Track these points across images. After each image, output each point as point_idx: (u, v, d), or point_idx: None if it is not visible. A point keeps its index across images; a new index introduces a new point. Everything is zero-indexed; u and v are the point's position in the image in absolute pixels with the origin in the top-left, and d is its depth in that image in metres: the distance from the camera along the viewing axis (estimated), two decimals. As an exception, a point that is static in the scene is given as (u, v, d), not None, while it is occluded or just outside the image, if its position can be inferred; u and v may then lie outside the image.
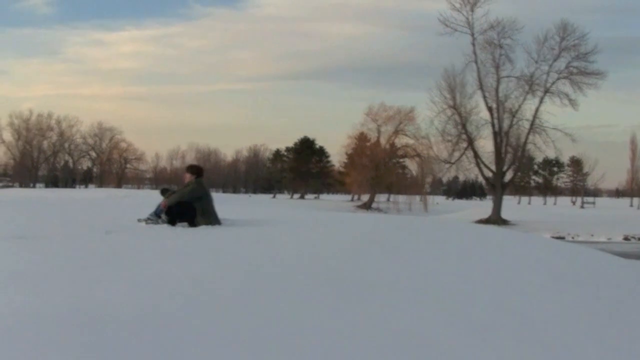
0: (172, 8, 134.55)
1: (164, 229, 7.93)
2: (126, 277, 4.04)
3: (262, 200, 67.09)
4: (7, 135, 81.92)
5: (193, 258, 5.16)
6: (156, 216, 8.39)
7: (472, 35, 39.51)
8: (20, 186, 71.42)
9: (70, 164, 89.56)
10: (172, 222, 8.32)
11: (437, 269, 5.20)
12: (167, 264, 4.71)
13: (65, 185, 73.15)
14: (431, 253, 6.47)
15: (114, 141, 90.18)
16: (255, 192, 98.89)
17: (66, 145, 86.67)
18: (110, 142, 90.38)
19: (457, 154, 40.40)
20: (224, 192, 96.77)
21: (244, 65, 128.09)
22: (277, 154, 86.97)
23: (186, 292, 3.63)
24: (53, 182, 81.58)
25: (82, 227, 7.78)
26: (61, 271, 4.26)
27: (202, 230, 7.79)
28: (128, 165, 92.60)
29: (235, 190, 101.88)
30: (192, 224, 8.36)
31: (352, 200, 71.95)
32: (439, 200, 76.21)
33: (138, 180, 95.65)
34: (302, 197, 79.89)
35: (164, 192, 8.97)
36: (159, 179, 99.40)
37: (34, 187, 64.59)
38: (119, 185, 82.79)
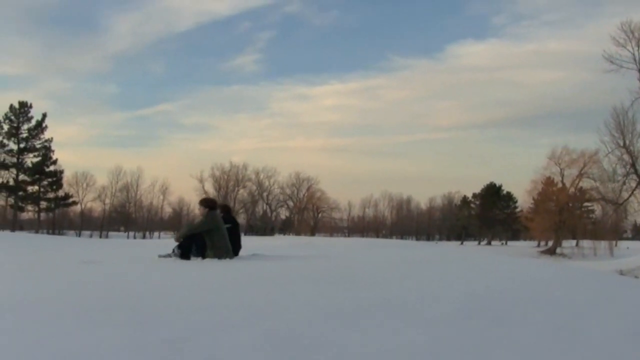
0: (373, 61, 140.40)
1: (160, 261, 8.11)
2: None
3: (443, 247, 67.85)
4: (209, 187, 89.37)
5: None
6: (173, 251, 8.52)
7: (639, 70, 38.45)
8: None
9: (268, 213, 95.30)
10: (184, 255, 8.30)
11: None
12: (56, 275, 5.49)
13: (264, 234, 78.64)
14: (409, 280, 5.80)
15: (311, 191, 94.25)
16: (449, 239, 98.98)
17: (264, 195, 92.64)
18: (307, 191, 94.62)
19: (625, 195, 38.98)
20: (417, 239, 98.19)
21: (442, 115, 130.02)
22: (465, 200, 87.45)
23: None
24: (253, 230, 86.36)
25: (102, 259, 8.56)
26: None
27: (188, 264, 7.50)
28: (322, 214, 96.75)
29: (429, 238, 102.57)
30: (203, 257, 8.37)
31: (538, 246, 70.05)
32: (633, 245, 70.94)
33: (332, 229, 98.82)
34: (488, 243, 79.32)
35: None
36: (351, 228, 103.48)
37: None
38: (312, 233, 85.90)
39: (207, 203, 9.03)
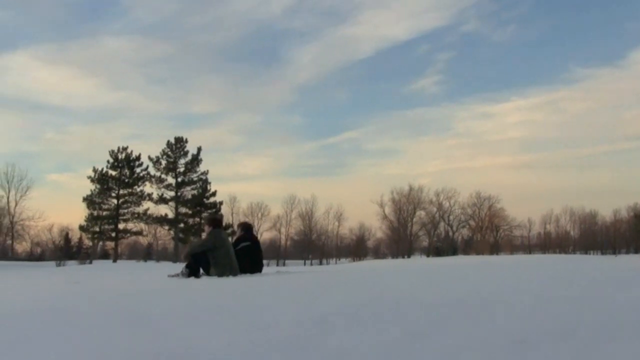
0: (555, 74, 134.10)
1: (161, 280, 8.10)
2: None
3: (615, 260, 67.82)
4: (389, 211, 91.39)
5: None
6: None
7: None
8: (392, 257, 79.20)
9: (450, 234, 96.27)
10: (192, 274, 8.25)
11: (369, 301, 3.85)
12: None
13: (447, 255, 76.25)
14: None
15: (492, 210, 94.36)
16: (637, 252, 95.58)
17: (445, 216, 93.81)
18: (488, 210, 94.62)
19: None
20: (602, 254, 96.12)
21: (629, 123, 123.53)
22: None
23: None
24: (436, 252, 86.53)
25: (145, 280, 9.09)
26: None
27: (181, 282, 7.16)
28: (503, 232, 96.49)
29: (614, 252, 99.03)
30: (208, 274, 8.30)
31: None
32: None
33: (514, 247, 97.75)
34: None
35: None
36: (534, 245, 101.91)
37: (408, 257, 72.86)
38: (493, 252, 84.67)
39: (211, 221, 9.13)
